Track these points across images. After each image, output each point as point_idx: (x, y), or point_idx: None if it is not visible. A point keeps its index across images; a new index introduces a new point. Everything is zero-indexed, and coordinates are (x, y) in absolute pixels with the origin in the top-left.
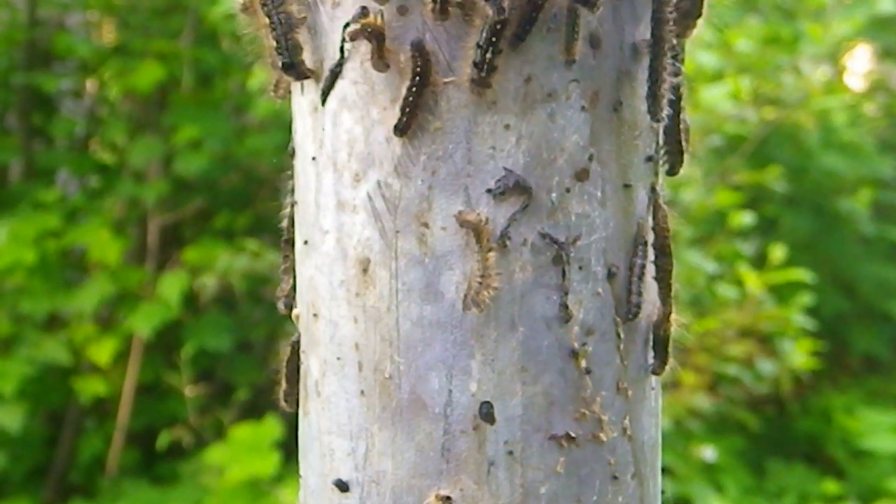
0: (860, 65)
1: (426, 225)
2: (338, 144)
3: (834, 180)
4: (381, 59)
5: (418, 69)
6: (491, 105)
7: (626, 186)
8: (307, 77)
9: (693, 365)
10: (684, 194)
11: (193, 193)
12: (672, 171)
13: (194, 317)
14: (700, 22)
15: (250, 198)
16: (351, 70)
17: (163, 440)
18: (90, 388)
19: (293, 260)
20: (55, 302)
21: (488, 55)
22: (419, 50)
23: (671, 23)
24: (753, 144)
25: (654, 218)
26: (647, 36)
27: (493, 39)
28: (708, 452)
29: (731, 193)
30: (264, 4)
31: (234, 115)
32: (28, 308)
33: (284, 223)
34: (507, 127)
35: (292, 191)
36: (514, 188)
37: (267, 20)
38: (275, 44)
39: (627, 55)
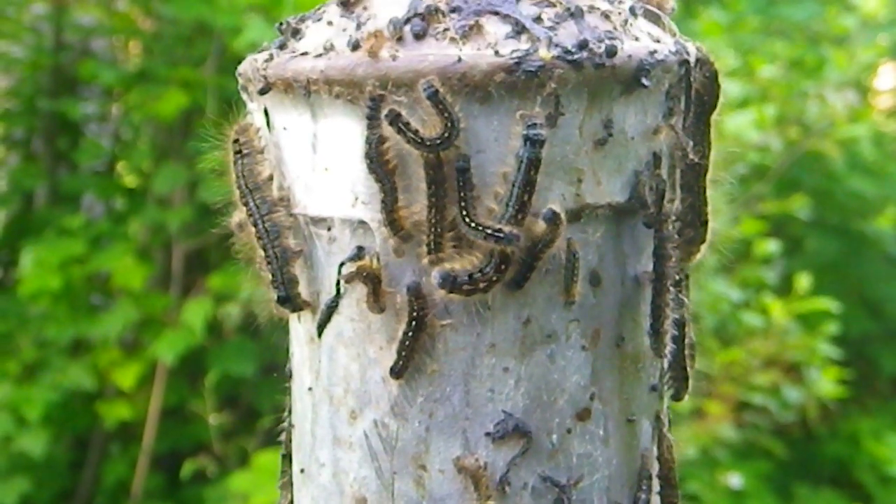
0: (885, 83)
1: (423, 468)
2: (334, 379)
3: (860, 202)
4: (376, 303)
5: (415, 313)
6: (489, 348)
7: (630, 421)
8: (303, 309)
9: (718, 394)
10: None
11: (218, 219)
12: (677, 397)
13: (218, 342)
14: (704, 247)
15: None
16: (347, 307)
17: (187, 469)
18: (115, 412)
19: (290, 475)
20: (80, 328)
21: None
22: (416, 294)
23: (673, 259)
24: (778, 173)
25: (658, 448)
26: (650, 268)
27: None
28: (734, 480)
29: (757, 222)
30: (260, 238)
31: None
32: (53, 334)
33: (283, 437)
34: (505, 370)
35: (289, 411)
36: (514, 432)
37: (263, 253)
38: (270, 277)
39: (629, 289)
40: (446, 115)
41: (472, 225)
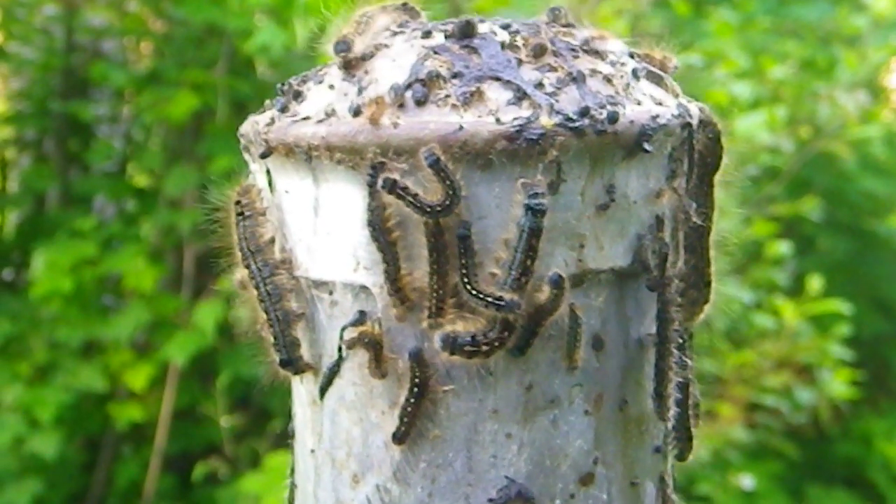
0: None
1: None
2: (336, 442)
3: (871, 202)
4: (378, 368)
5: (417, 380)
6: (492, 413)
7: (634, 484)
8: (305, 372)
9: (730, 396)
10: (720, 224)
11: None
12: (682, 458)
13: (230, 344)
14: (707, 307)
15: None
16: (349, 370)
17: (199, 472)
18: (126, 414)
19: None
20: (91, 329)
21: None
22: (418, 360)
23: (677, 322)
24: (790, 174)
25: None
26: (653, 330)
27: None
28: (746, 481)
29: (768, 223)
30: (262, 300)
31: None
32: (64, 336)
33: (286, 494)
34: (508, 435)
35: (292, 471)
36: (517, 497)
37: (265, 316)
38: (272, 339)
39: (633, 351)
40: (448, 182)
41: (474, 292)
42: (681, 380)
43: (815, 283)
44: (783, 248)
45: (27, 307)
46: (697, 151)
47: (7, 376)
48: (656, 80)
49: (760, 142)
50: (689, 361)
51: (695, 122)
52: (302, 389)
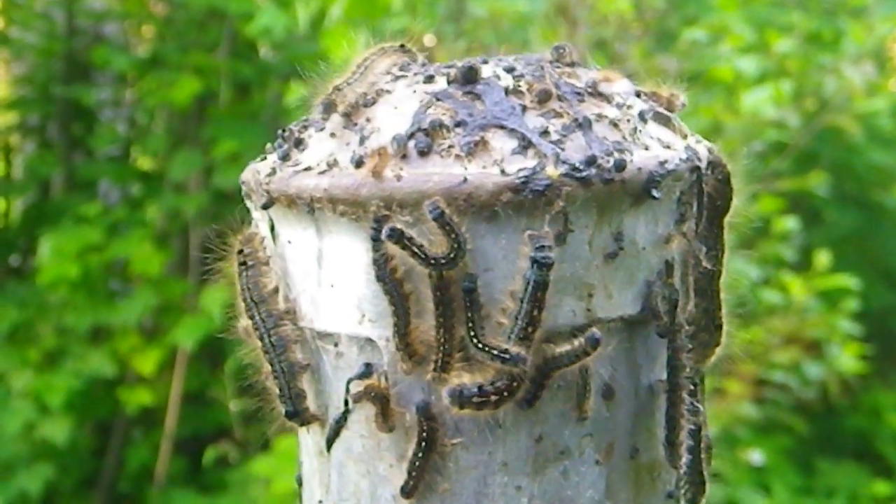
0: None
1: None
2: (344, 494)
3: (879, 174)
4: (385, 422)
5: (425, 433)
6: (501, 466)
7: None
8: (311, 423)
9: (739, 373)
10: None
11: (234, 205)
12: (694, 502)
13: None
14: (718, 350)
15: None
16: (356, 422)
17: (209, 456)
18: (136, 398)
19: None
20: (99, 315)
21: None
22: (426, 414)
23: (688, 369)
24: (796, 148)
25: None
26: (663, 376)
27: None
28: (756, 456)
29: (775, 199)
30: (266, 352)
31: (273, 125)
32: (72, 321)
33: None
34: (518, 488)
35: None
36: None
37: (269, 367)
38: (278, 391)
39: (643, 399)
40: (453, 235)
41: (480, 346)
42: (692, 427)
43: (822, 257)
44: (790, 223)
45: (34, 293)
46: (707, 194)
47: (16, 363)
48: (664, 121)
49: (766, 117)
50: (700, 407)
51: (703, 164)
52: (309, 440)
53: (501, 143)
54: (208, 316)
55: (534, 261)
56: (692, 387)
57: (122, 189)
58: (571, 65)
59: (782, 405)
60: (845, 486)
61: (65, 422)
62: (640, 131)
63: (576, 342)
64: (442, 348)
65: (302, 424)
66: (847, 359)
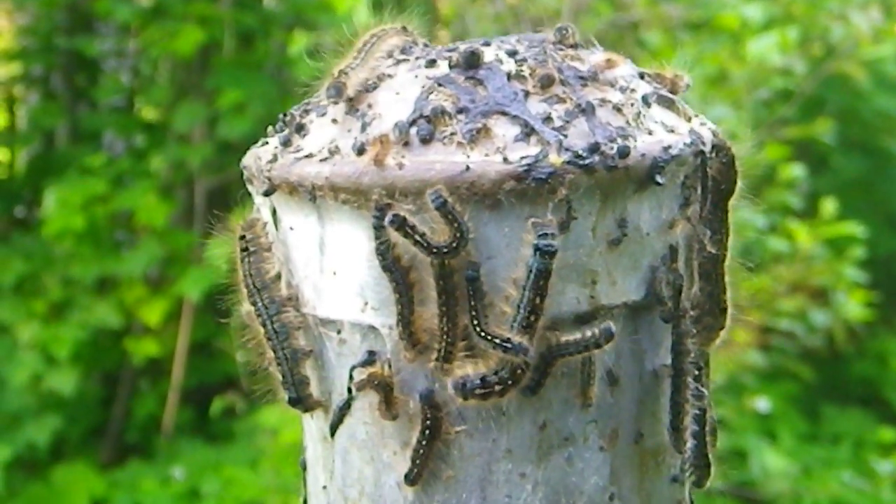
0: None
1: None
2: (348, 481)
3: (885, 120)
4: (389, 410)
5: (428, 421)
6: (506, 453)
7: None
8: (314, 409)
9: (745, 322)
10: (733, 149)
11: (239, 155)
12: (700, 485)
13: None
14: (723, 333)
15: None
16: (359, 409)
17: (216, 406)
18: (143, 349)
19: None
20: (105, 266)
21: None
22: (429, 402)
23: (692, 354)
24: (803, 96)
25: None
26: (668, 361)
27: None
28: (762, 404)
29: (781, 147)
30: (269, 339)
31: (277, 75)
32: (78, 273)
33: None
34: (522, 475)
35: (305, 501)
36: None
37: (272, 354)
38: (280, 377)
39: (648, 384)
40: (455, 224)
41: (483, 334)
42: (697, 411)
43: (828, 205)
44: (796, 171)
45: (40, 245)
46: (711, 177)
47: (23, 314)
48: (667, 104)
49: (772, 64)
50: (704, 391)
51: (707, 147)
52: (312, 425)
53: (504, 130)
54: (214, 267)
55: (536, 248)
56: (697, 371)
57: (126, 140)
58: (574, 46)
59: (788, 353)
60: (851, 433)
61: (72, 373)
62: (644, 115)
63: (588, 332)
64: (445, 337)
65: (305, 410)
66: (853, 306)
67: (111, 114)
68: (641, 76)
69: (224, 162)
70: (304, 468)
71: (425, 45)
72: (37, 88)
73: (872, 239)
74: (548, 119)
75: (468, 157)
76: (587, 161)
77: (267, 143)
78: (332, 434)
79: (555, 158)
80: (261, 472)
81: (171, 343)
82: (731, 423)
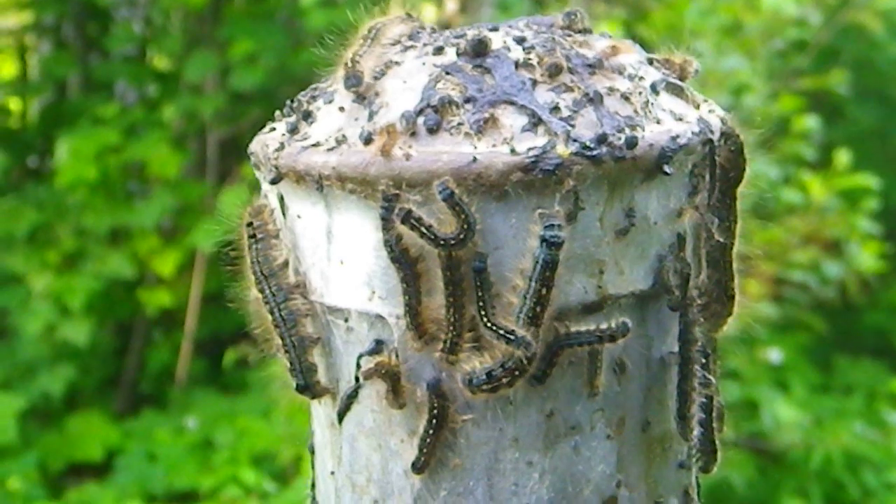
0: None
1: None
2: (356, 467)
3: None
4: (396, 399)
5: (435, 410)
6: (512, 442)
7: (657, 502)
8: (322, 396)
9: (757, 273)
10: (746, 100)
11: (251, 105)
12: (706, 470)
13: None
14: (731, 320)
15: None
16: (367, 397)
17: (229, 357)
18: (156, 299)
19: None
20: (117, 216)
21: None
22: (436, 391)
23: (700, 342)
24: (818, 47)
25: None
26: (675, 349)
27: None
28: (774, 355)
29: (795, 98)
30: (277, 326)
31: (289, 24)
32: (91, 223)
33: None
34: (529, 463)
35: (313, 485)
36: None
37: (280, 341)
38: (288, 364)
39: (655, 371)
40: (462, 216)
41: (489, 325)
42: (704, 399)
43: (842, 156)
44: (810, 122)
45: (53, 195)
46: (720, 165)
47: (36, 265)
48: (676, 91)
49: (787, 14)
50: (711, 378)
51: (716, 135)
52: (320, 411)
53: (511, 120)
54: (227, 217)
55: (543, 240)
56: (704, 359)
57: (138, 90)
58: (583, 32)
59: (801, 304)
60: (863, 384)
61: (85, 323)
62: (652, 104)
63: (603, 324)
64: (452, 328)
65: (313, 397)
66: (866, 257)
67: (123, 63)
68: (650, 62)
69: (236, 112)
70: (313, 452)
71: (433, 31)
72: (49, 37)
73: (886, 190)
74: (555, 109)
75: (475, 147)
76: (595, 152)
77: (274, 129)
78: (340, 421)
79: (562, 149)
80: (274, 422)
81: (184, 294)
82: (744, 373)
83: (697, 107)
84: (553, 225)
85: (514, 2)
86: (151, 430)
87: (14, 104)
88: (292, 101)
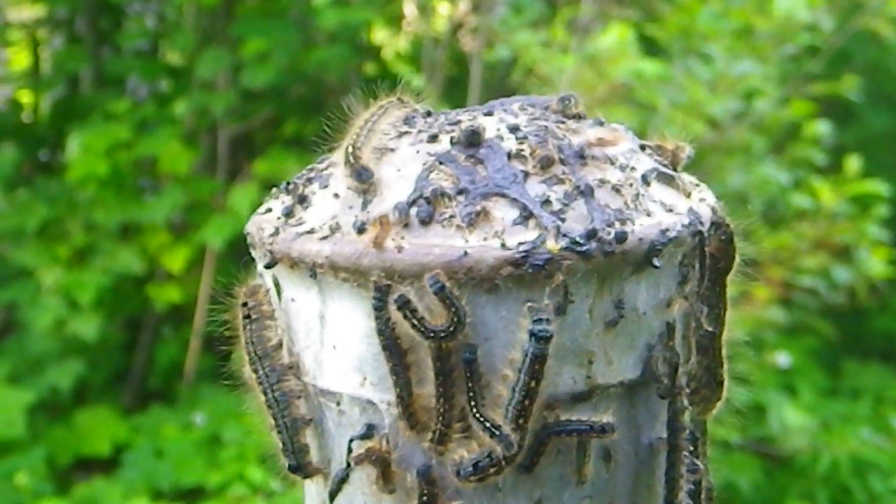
0: None
1: None
2: None
3: None
4: (386, 484)
5: (425, 497)
6: None
7: None
8: (313, 476)
9: (766, 278)
10: (758, 104)
11: (262, 103)
12: None
13: None
14: (720, 404)
15: (319, 106)
16: (358, 479)
17: (238, 354)
18: (165, 295)
19: None
20: (128, 212)
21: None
22: (426, 477)
23: (688, 430)
24: (830, 51)
25: None
26: (664, 434)
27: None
28: (783, 359)
29: (806, 103)
30: (269, 407)
31: (301, 23)
32: (101, 218)
33: None
34: None
35: None
36: None
37: (273, 422)
38: (281, 445)
39: (643, 457)
40: (453, 309)
41: (478, 416)
42: (692, 486)
43: (853, 162)
44: (821, 127)
45: (64, 190)
46: (709, 254)
47: (46, 259)
48: (667, 180)
49: (799, 19)
50: (699, 464)
51: (706, 226)
52: (312, 490)
53: (503, 213)
54: (237, 215)
55: (532, 334)
56: (692, 446)
57: (150, 85)
58: (577, 118)
59: (810, 309)
60: (871, 388)
61: (94, 318)
62: (643, 195)
63: (594, 417)
64: (441, 419)
65: (305, 477)
66: (875, 263)
67: (135, 58)
68: (643, 148)
69: (247, 109)
70: None
71: (427, 115)
72: (61, 31)
73: None
74: (546, 202)
75: (466, 241)
76: (584, 247)
77: (270, 209)
78: (331, 502)
79: (552, 245)
80: None
81: (193, 290)
82: (752, 377)
83: (688, 195)
84: (541, 319)
85: (526, 2)
86: (159, 425)
87: (26, 98)
88: (288, 184)
